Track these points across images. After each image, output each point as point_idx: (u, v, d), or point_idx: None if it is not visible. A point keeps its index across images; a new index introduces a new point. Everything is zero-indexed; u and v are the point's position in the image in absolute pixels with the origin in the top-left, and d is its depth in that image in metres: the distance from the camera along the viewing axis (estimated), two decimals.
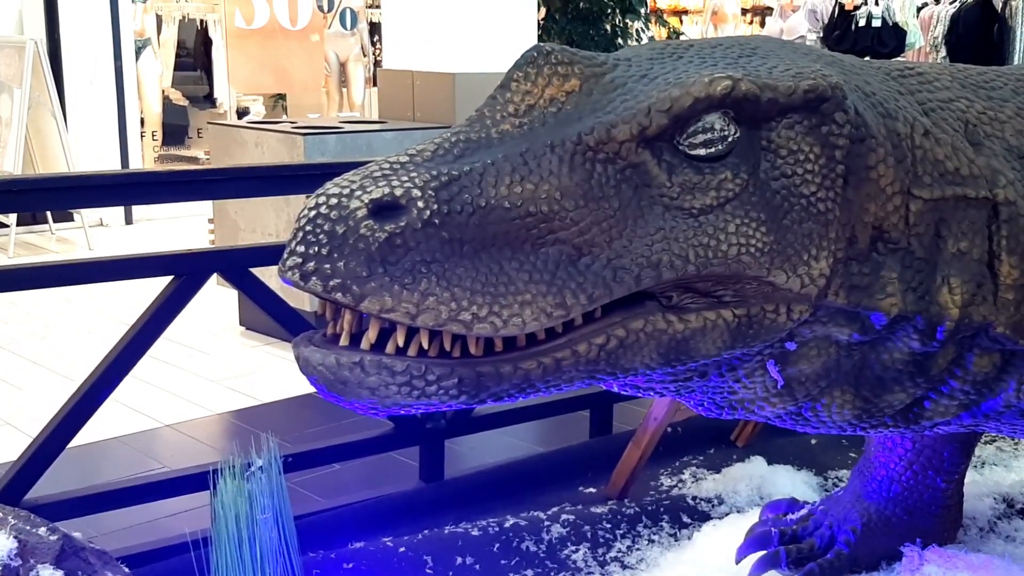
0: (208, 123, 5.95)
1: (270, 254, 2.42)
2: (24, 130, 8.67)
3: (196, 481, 2.43)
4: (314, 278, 1.05)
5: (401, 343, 1.08)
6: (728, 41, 1.33)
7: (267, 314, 2.41)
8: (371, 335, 1.08)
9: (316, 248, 1.06)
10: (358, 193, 1.07)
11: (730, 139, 1.19)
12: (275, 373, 4.45)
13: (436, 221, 1.07)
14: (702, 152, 1.19)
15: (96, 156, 10.34)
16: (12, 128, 8.79)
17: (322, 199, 1.07)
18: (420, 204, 1.07)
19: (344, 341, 1.10)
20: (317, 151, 4.95)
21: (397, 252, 1.05)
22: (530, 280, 1.10)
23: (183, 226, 8.03)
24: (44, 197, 2.31)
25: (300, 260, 1.06)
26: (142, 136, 11.77)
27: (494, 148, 1.16)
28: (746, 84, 1.19)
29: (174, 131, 13.86)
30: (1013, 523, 2.13)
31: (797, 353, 1.28)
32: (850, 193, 1.25)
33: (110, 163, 10.72)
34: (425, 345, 1.08)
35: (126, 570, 1.70)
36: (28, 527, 1.57)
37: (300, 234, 1.07)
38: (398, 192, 1.07)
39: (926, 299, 1.29)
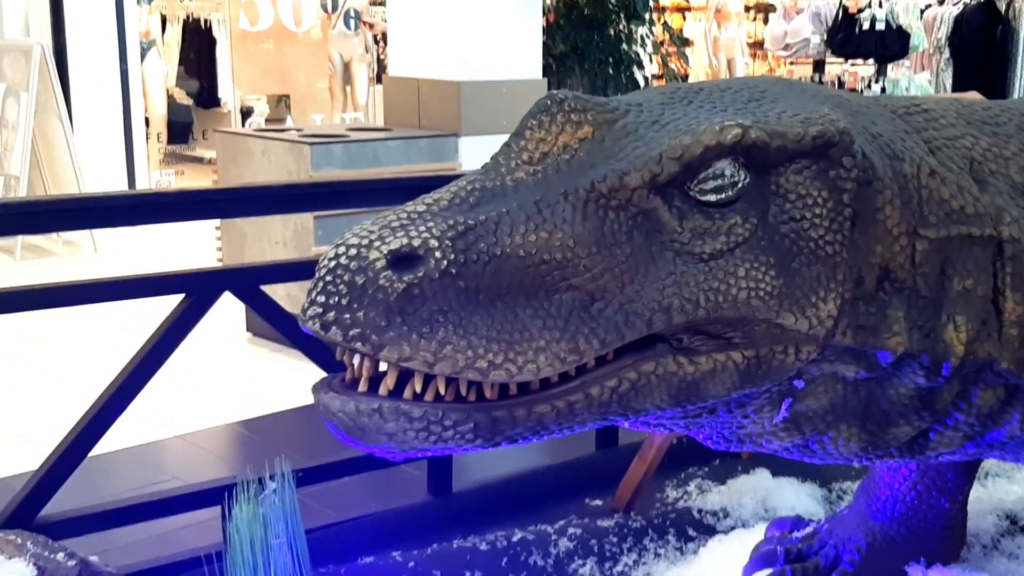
0: (215, 130, 5.98)
1: (281, 272, 2.45)
2: (31, 134, 8.70)
3: (208, 497, 2.46)
4: (334, 328, 1.08)
5: (419, 389, 1.11)
6: (737, 84, 1.35)
7: (279, 332, 2.43)
8: (389, 382, 1.11)
9: (336, 298, 1.08)
10: (377, 244, 1.10)
11: (740, 185, 1.22)
12: (284, 381, 4.48)
13: (453, 271, 1.10)
14: (712, 198, 1.21)
15: (102, 159, 10.38)
16: (19, 132, 8.82)
17: (342, 249, 1.10)
18: (437, 255, 1.10)
19: (363, 387, 1.13)
20: (324, 161, 4.98)
21: (415, 302, 1.08)
22: (544, 327, 1.12)
23: (189, 226, 8.05)
24: (54, 219, 2.33)
25: (321, 310, 1.09)
26: (147, 138, 11.80)
27: (509, 196, 1.18)
28: (756, 132, 1.21)
29: (178, 130, 13.87)
30: (1016, 540, 2.15)
31: (805, 390, 1.31)
32: (857, 235, 1.27)
33: (116, 166, 10.75)
34: (442, 391, 1.11)
35: None
36: (46, 553, 1.60)
37: (320, 284, 1.10)
38: (416, 243, 1.10)
39: (931, 337, 1.31)
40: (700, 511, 2.43)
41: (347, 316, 1.08)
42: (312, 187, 2.47)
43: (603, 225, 1.17)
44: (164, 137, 13.05)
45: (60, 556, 1.60)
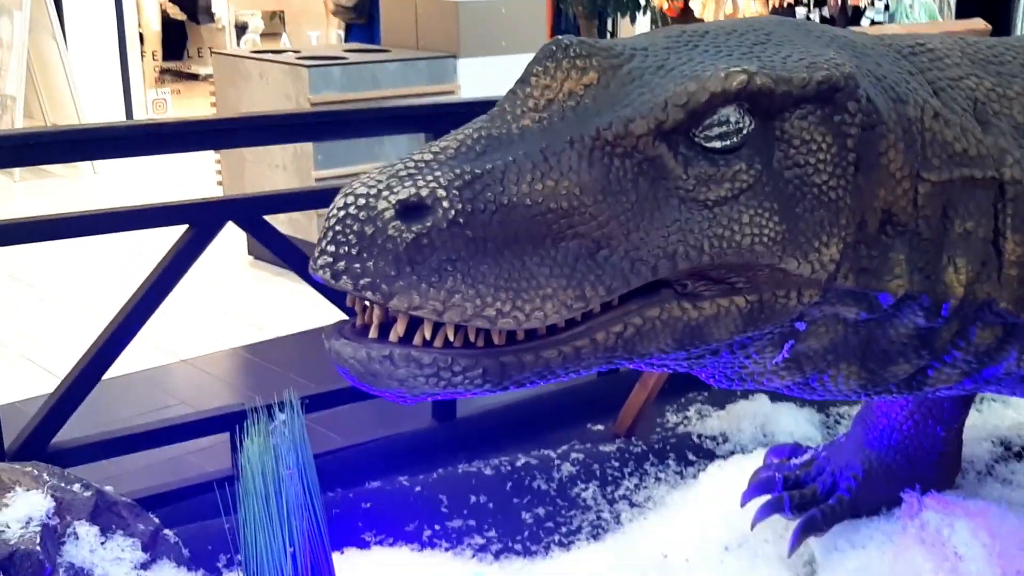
0: (212, 51, 5.93)
1: (283, 202, 2.47)
2: (25, 54, 8.63)
3: (217, 423, 2.52)
4: (344, 277, 1.10)
5: (428, 336, 1.13)
6: (742, 26, 1.34)
7: (283, 261, 2.46)
8: (399, 329, 1.13)
9: (346, 248, 1.10)
10: (385, 194, 1.11)
11: (745, 131, 1.22)
12: (286, 305, 4.51)
13: (460, 220, 1.11)
14: (717, 144, 1.22)
15: (97, 78, 10.30)
16: (13, 51, 8.74)
17: (350, 199, 1.11)
18: (445, 204, 1.11)
19: (373, 333, 1.15)
20: (322, 83, 4.95)
21: (424, 252, 1.10)
22: (551, 274, 1.14)
23: None
24: (53, 151, 2.32)
25: (331, 259, 1.11)
26: (142, 55, 11.70)
27: (515, 144, 1.19)
28: (761, 78, 1.21)
29: (173, 46, 13.74)
30: (1010, 466, 2.19)
31: (806, 332, 1.33)
32: (861, 180, 1.28)
33: (112, 84, 10.68)
34: (451, 337, 1.13)
35: (156, 520, 1.77)
36: (63, 484, 1.64)
37: (330, 234, 1.11)
38: (424, 192, 1.11)
39: (932, 279, 1.33)
40: (700, 436, 2.47)
41: (357, 266, 1.09)
42: (314, 116, 2.47)
43: (608, 172, 1.18)
44: (159, 55, 12.94)
45: (76, 487, 1.64)
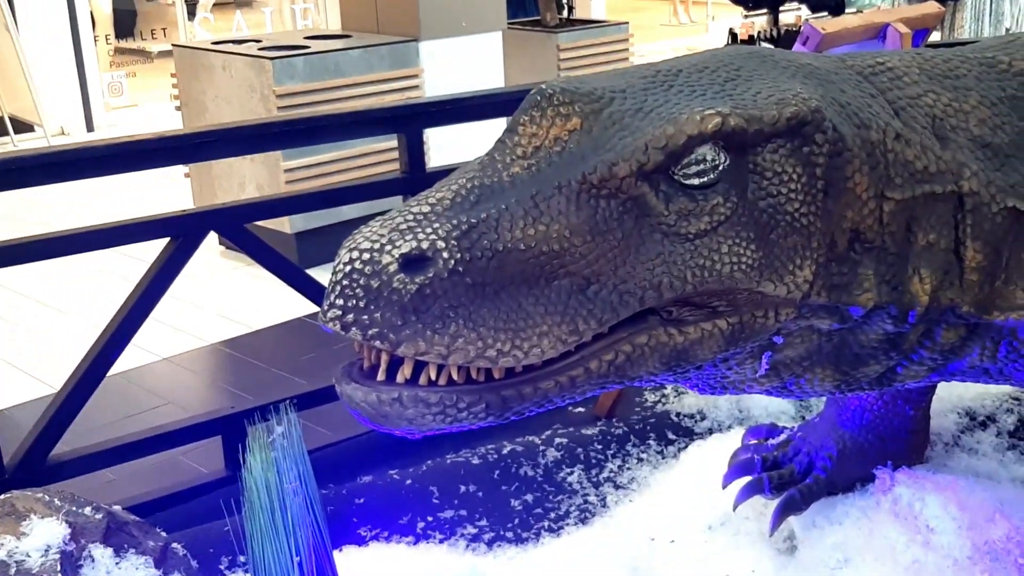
0: (174, 46, 5.92)
1: (264, 209, 2.52)
2: None
3: (211, 428, 2.58)
4: (354, 328, 1.17)
5: (433, 376, 1.21)
6: (713, 63, 1.42)
7: (268, 270, 2.51)
8: (407, 371, 1.21)
9: (354, 301, 1.17)
10: (388, 248, 1.18)
11: (720, 167, 1.30)
12: (261, 298, 4.53)
13: (460, 269, 1.19)
14: (695, 181, 1.29)
15: (52, 63, 10.19)
16: None
17: (355, 254, 1.18)
18: (445, 255, 1.19)
19: (381, 376, 1.22)
20: (286, 75, 4.97)
21: (427, 301, 1.17)
22: (546, 312, 1.22)
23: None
24: (19, 176, 2.27)
25: (340, 312, 1.18)
26: (95, 40, 11.57)
27: (506, 192, 1.27)
28: (734, 119, 1.29)
29: (123, 25, 13.59)
30: (975, 436, 2.29)
31: (783, 344, 1.42)
32: (830, 203, 1.36)
33: (67, 70, 10.56)
34: (455, 376, 1.21)
35: (164, 535, 1.84)
36: (75, 508, 1.70)
37: (338, 288, 1.18)
38: (424, 245, 1.19)
39: (899, 289, 1.42)
40: (678, 414, 2.54)
41: (365, 317, 1.17)
42: (285, 124, 2.51)
43: (595, 214, 1.26)
44: (112, 38, 12.79)
45: (88, 510, 1.70)
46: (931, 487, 1.91)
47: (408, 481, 2.32)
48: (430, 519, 2.20)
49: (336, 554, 1.83)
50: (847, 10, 7.53)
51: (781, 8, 6.81)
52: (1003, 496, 1.98)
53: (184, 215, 2.44)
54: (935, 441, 2.22)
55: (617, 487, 2.30)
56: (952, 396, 2.37)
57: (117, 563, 1.68)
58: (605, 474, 2.34)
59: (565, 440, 2.44)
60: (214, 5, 13.92)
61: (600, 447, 2.43)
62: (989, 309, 1.48)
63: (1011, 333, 1.53)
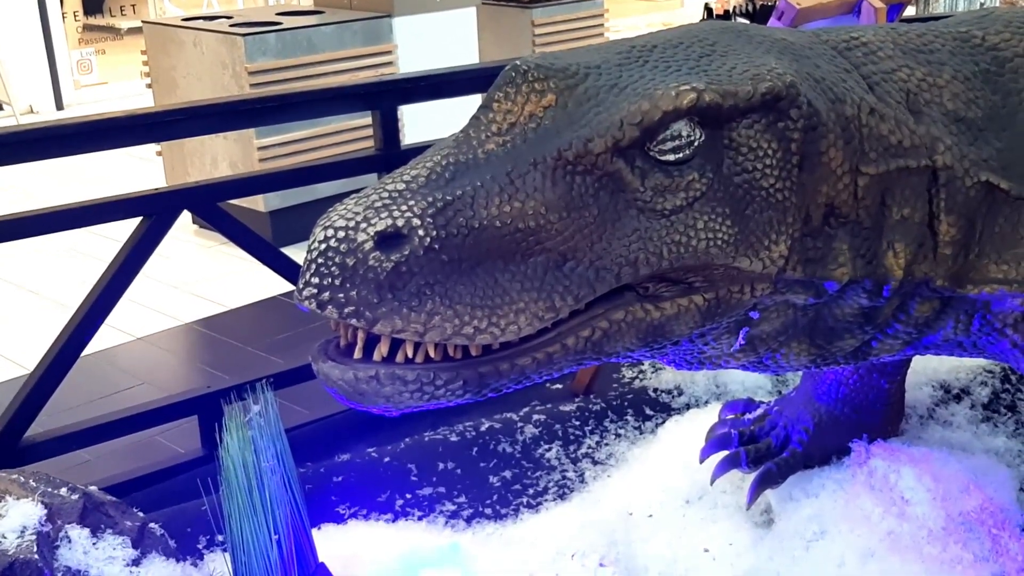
0: (144, 22, 5.85)
1: (238, 187, 2.50)
2: None
3: (186, 407, 2.57)
4: (330, 306, 1.17)
5: (410, 354, 1.20)
6: (688, 38, 1.41)
7: (240, 247, 2.49)
8: (383, 349, 1.20)
9: (329, 279, 1.16)
10: (363, 225, 1.17)
11: (696, 143, 1.30)
12: (235, 276, 4.51)
13: (436, 246, 1.18)
14: (671, 157, 1.29)
15: (20, 42, 10.06)
16: None
17: (330, 232, 1.17)
18: (420, 232, 1.18)
19: (358, 354, 1.22)
20: (258, 51, 4.92)
21: (403, 278, 1.16)
22: (522, 289, 1.21)
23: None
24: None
25: (316, 291, 1.17)
26: (63, 17, 11.44)
27: (482, 169, 1.26)
28: (709, 94, 1.29)
29: (91, 1, 13.43)
30: (950, 408, 2.32)
31: (759, 319, 1.42)
32: (804, 178, 1.36)
33: (35, 48, 10.44)
34: (432, 354, 1.20)
35: (141, 515, 1.83)
36: (51, 489, 1.69)
37: (313, 266, 1.17)
38: (400, 223, 1.18)
39: (873, 263, 1.42)
40: (655, 390, 2.55)
41: (341, 295, 1.16)
42: (257, 101, 2.49)
43: (571, 190, 1.25)
44: (80, 15, 12.65)
45: (64, 491, 1.69)
46: (906, 459, 1.93)
47: (386, 459, 2.32)
48: (408, 496, 2.21)
49: (315, 532, 1.83)
50: None
51: None
52: (977, 467, 2.00)
53: (156, 193, 2.42)
54: (910, 414, 2.24)
55: (595, 463, 2.30)
56: (927, 369, 2.39)
57: (94, 543, 1.68)
58: (583, 450, 2.35)
59: (543, 416, 2.45)
60: None
61: (578, 423, 2.44)
62: (963, 283, 1.49)
63: (984, 306, 1.54)
